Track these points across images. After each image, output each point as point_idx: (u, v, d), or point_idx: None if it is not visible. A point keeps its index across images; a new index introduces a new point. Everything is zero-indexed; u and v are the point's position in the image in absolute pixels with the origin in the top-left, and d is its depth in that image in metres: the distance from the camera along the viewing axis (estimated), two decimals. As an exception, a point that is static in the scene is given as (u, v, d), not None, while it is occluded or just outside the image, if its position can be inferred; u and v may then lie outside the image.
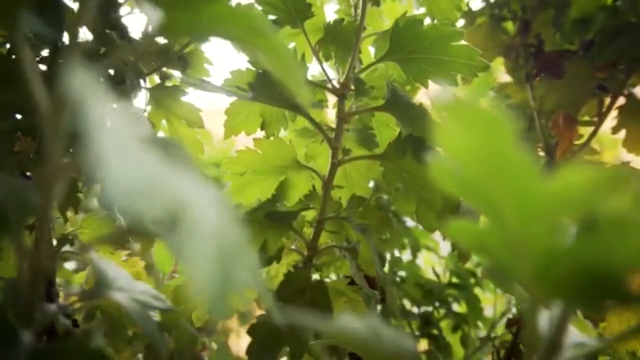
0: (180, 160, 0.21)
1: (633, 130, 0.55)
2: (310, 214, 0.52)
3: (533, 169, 0.16)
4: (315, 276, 0.52)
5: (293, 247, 0.50)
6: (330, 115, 0.68)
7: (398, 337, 0.23)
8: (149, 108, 0.54)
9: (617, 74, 0.58)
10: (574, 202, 0.16)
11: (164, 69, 0.54)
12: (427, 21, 0.45)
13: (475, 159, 0.17)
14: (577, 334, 0.26)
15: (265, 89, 0.36)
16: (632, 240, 0.16)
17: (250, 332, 0.39)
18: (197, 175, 0.21)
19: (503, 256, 0.21)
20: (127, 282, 0.32)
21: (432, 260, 0.89)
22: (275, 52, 0.24)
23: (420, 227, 0.50)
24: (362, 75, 0.49)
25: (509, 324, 0.54)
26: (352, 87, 0.47)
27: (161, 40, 0.53)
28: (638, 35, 0.50)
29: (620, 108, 0.56)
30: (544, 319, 0.23)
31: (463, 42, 0.42)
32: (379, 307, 0.59)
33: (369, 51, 0.61)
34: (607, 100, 0.59)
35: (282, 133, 0.56)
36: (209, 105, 0.60)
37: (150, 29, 0.50)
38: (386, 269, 0.77)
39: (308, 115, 0.42)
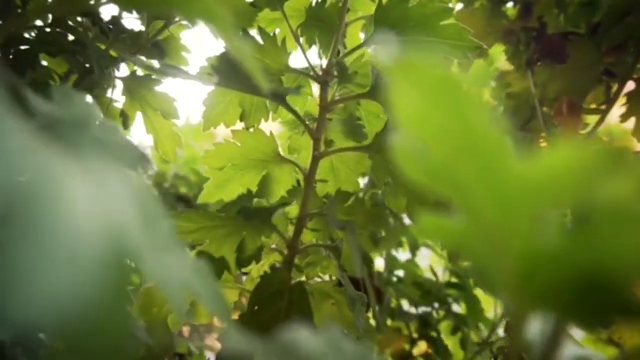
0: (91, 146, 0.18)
1: (643, 119, 0.51)
2: (293, 211, 0.48)
3: (509, 148, 0.13)
4: (301, 278, 0.49)
5: (274, 246, 0.46)
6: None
7: (361, 352, 0.20)
8: (123, 99, 0.51)
9: (626, 58, 0.54)
10: (561, 189, 0.13)
11: (140, 57, 0.51)
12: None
13: (438, 134, 0.14)
14: (577, 347, 0.23)
15: (231, 73, 0.33)
16: (635, 236, 0.12)
17: None
18: (114, 171, 0.17)
19: (482, 256, 0.17)
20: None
21: (435, 259, 0.86)
22: (221, 22, 0.21)
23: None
24: (347, 62, 0.46)
25: (508, 328, 0.50)
26: (335, 73, 0.44)
27: (135, 27, 0.50)
28: (648, 15, 0.46)
29: (629, 94, 0.52)
30: (536, 327, 0.20)
31: (453, 20, 0.38)
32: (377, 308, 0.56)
33: (359, 37, 0.57)
34: (615, 87, 0.55)
35: (274, 126, 0.52)
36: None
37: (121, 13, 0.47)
38: (382, 268, 0.74)
39: (286, 103, 0.39)
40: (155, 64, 0.52)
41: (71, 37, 0.47)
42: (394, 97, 0.14)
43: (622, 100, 0.54)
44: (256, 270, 0.49)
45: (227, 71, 0.33)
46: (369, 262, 0.47)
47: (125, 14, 0.48)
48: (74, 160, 0.15)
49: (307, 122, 0.44)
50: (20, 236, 0.10)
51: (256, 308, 0.38)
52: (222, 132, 0.52)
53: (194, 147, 1.03)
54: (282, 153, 0.48)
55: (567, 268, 0.14)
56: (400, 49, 0.12)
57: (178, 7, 0.20)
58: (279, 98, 0.37)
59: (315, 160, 0.43)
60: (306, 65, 0.52)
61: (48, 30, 0.43)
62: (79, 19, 0.49)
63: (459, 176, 0.15)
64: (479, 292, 0.69)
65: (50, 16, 0.42)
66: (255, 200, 0.47)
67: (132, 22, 0.52)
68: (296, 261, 0.46)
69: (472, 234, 0.17)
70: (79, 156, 0.17)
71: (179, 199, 0.96)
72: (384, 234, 0.75)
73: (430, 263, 0.85)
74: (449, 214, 0.18)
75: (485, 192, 0.14)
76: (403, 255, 0.84)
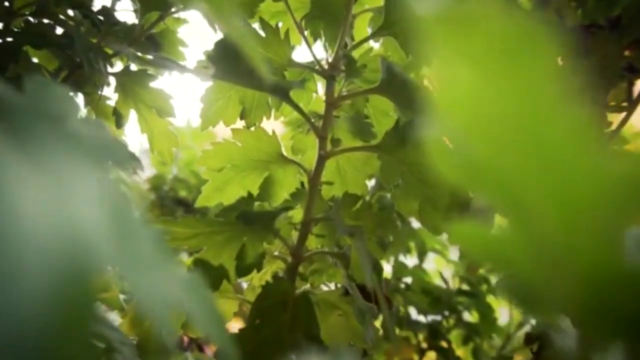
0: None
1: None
2: (297, 215, 0.45)
3: (595, 141, 0.10)
4: (305, 286, 0.46)
5: (276, 253, 0.43)
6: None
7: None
8: (116, 96, 0.48)
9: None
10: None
11: (133, 51, 0.48)
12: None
13: (496, 120, 0.11)
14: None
15: (230, 63, 0.30)
16: None
17: None
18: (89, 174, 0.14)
19: (532, 274, 0.14)
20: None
21: (442, 264, 0.82)
22: (219, 4, 0.18)
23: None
24: (355, 55, 0.43)
25: (529, 339, 0.47)
26: (342, 67, 0.41)
27: (129, 19, 0.47)
28: (677, 4, 0.43)
29: (654, 91, 0.48)
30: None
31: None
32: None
33: (366, 30, 0.54)
34: (637, 83, 0.52)
35: (276, 126, 0.49)
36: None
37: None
38: (389, 275, 0.70)
39: (289, 98, 0.36)
40: (150, 58, 0.49)
41: (59, 30, 0.44)
42: (435, 69, 0.11)
43: (646, 96, 0.50)
44: (257, 278, 0.46)
45: (224, 61, 0.30)
46: (378, 270, 0.44)
47: (117, 5, 0.45)
48: (23, 155, 0.12)
49: (312, 120, 0.41)
50: None
51: (257, 321, 0.35)
52: (222, 132, 0.49)
53: (195, 149, 1.00)
54: (285, 153, 0.45)
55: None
56: None
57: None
58: (282, 92, 0.34)
59: (321, 160, 0.40)
60: (310, 59, 0.49)
61: (33, 21, 0.40)
62: (69, 11, 0.46)
63: (515, 175, 0.12)
64: (491, 300, 0.66)
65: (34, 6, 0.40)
66: (256, 203, 0.44)
67: (125, 14, 0.49)
68: (300, 269, 0.43)
69: (521, 246, 0.14)
70: (37, 152, 0.14)
71: (178, 202, 0.93)
72: (391, 238, 0.72)
73: (438, 268, 0.82)
74: (475, 219, 0.14)
75: (554, 198, 0.11)
76: (409, 260, 0.81)
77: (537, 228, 0.13)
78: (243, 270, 0.40)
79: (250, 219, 0.36)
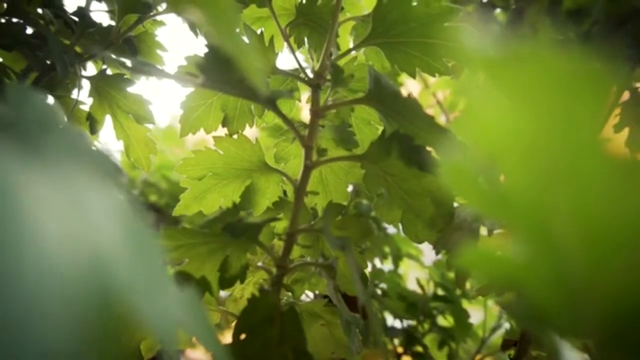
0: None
1: (637, 129, 0.50)
2: (280, 224, 0.45)
3: (634, 179, 0.10)
4: (287, 297, 0.45)
5: (260, 264, 0.42)
6: (306, 115, 0.61)
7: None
8: (90, 101, 0.46)
9: (618, 67, 0.53)
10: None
11: (110, 54, 0.46)
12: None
13: (530, 153, 0.11)
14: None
15: (220, 73, 0.29)
16: None
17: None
18: (88, 186, 0.13)
19: (550, 301, 0.14)
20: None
21: (410, 267, 0.83)
22: (221, 15, 0.17)
23: (403, 234, 0.43)
24: (340, 64, 0.42)
25: (506, 345, 0.48)
26: (328, 76, 0.41)
27: (104, 20, 0.45)
28: (645, 23, 0.45)
29: (623, 104, 0.51)
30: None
31: (458, 22, 0.35)
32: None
33: (348, 39, 0.54)
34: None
35: (253, 132, 0.48)
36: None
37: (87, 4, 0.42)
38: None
39: (275, 106, 0.35)
40: (127, 61, 0.47)
41: (29, 30, 0.42)
42: (471, 102, 0.11)
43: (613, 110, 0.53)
44: (239, 289, 0.45)
45: (214, 71, 0.29)
46: (364, 281, 0.43)
47: (93, 6, 0.43)
48: (36, 166, 0.11)
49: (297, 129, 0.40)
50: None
51: (243, 336, 0.34)
52: (193, 135, 0.48)
53: (166, 153, 0.97)
54: (267, 161, 0.44)
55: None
56: (498, 38, 0.09)
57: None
58: (270, 102, 0.34)
59: (307, 170, 0.40)
60: (291, 66, 0.48)
61: (3, 20, 0.37)
62: (39, 9, 0.43)
63: (546, 205, 0.12)
64: (466, 305, 0.67)
65: (5, 4, 0.37)
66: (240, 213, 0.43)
67: (100, 15, 0.47)
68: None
69: (540, 273, 0.14)
70: (42, 162, 0.13)
71: (148, 207, 0.90)
72: (368, 244, 0.72)
73: (407, 272, 0.83)
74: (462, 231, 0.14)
75: (583, 229, 0.11)
76: (385, 266, 0.81)
77: (561, 257, 0.13)
78: (226, 282, 0.39)
79: (236, 230, 0.35)
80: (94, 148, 0.20)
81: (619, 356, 0.13)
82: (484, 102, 0.10)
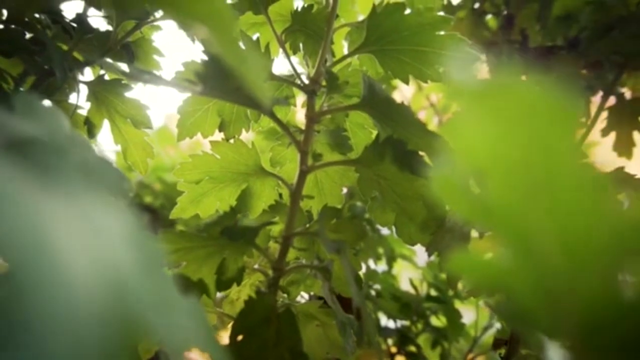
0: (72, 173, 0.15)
1: (623, 133, 0.51)
2: (275, 227, 0.45)
3: (603, 191, 0.11)
4: (283, 299, 0.46)
5: (256, 266, 0.43)
6: (300, 118, 0.62)
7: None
8: (88, 105, 0.46)
9: (604, 72, 0.54)
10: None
11: (109, 61, 0.47)
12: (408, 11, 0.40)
13: (511, 168, 0.12)
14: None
15: (219, 81, 0.30)
16: None
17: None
18: (99, 202, 0.14)
19: (531, 302, 0.15)
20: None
21: (408, 269, 0.84)
22: (223, 26, 0.18)
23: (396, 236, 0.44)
24: (335, 70, 0.43)
25: (497, 343, 0.49)
26: (324, 82, 0.41)
27: (102, 26, 0.46)
28: (630, 30, 0.46)
29: (610, 109, 0.52)
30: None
31: (450, 30, 0.36)
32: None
33: (342, 46, 0.55)
34: (594, 101, 0.55)
35: (246, 136, 0.49)
36: (175, 106, 0.52)
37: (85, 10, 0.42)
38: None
39: (272, 113, 0.36)
40: (124, 67, 0.48)
41: (28, 35, 0.42)
42: (459, 124, 0.12)
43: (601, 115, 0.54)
44: (235, 291, 0.46)
45: (213, 79, 0.30)
46: (359, 283, 0.44)
47: (90, 12, 0.44)
48: (57, 194, 0.12)
49: (293, 134, 0.41)
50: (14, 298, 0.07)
51: (241, 338, 0.35)
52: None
53: (159, 154, 0.98)
54: (263, 165, 0.45)
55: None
56: (478, 71, 0.10)
57: (178, 9, 0.17)
58: (268, 110, 0.35)
59: (302, 174, 0.40)
60: (286, 70, 0.49)
61: (1, 26, 0.38)
62: (37, 15, 0.44)
63: (526, 215, 0.13)
64: (458, 305, 0.69)
65: (5, 12, 0.38)
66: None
67: (97, 20, 0.47)
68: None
69: (522, 276, 0.15)
70: (60, 186, 0.13)
71: (143, 209, 0.91)
72: (362, 245, 0.73)
73: (401, 273, 0.84)
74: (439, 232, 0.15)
75: (559, 236, 0.12)
76: (378, 266, 0.82)
77: (541, 262, 0.14)
78: (223, 284, 0.40)
79: (234, 234, 0.36)
80: (100, 158, 0.21)
81: (594, 354, 0.14)
82: (471, 127, 0.11)
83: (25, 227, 0.09)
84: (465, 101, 0.10)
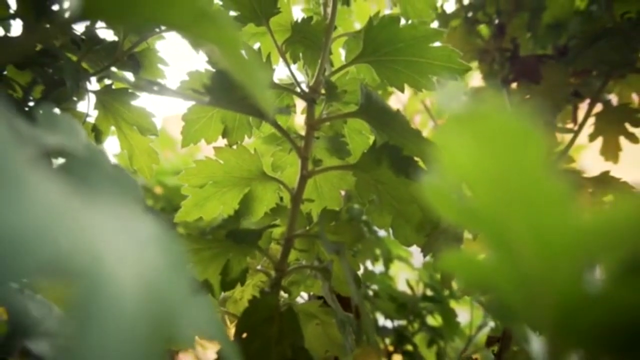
0: (107, 188, 0.17)
1: (610, 138, 0.53)
2: (277, 230, 0.47)
3: (567, 199, 0.13)
4: (284, 298, 0.48)
5: (259, 267, 0.45)
6: (299, 122, 0.64)
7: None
8: (96, 113, 0.48)
9: (592, 80, 0.56)
10: (618, 241, 0.13)
11: (113, 69, 0.48)
12: (403, 22, 0.42)
13: (490, 181, 0.14)
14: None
15: (225, 92, 0.32)
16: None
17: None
18: (131, 211, 0.16)
19: (514, 298, 0.17)
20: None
21: (405, 270, 0.86)
22: (232, 46, 0.20)
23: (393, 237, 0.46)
24: (334, 79, 0.45)
25: (490, 341, 0.51)
26: (323, 91, 0.43)
27: (109, 37, 0.48)
28: (616, 40, 0.48)
29: (597, 115, 0.54)
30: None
31: (442, 43, 0.38)
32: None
33: (340, 54, 0.57)
34: (581, 107, 0.57)
35: (247, 141, 0.51)
36: (173, 109, 0.54)
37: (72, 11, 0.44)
38: (358, 282, 0.73)
39: (275, 122, 0.38)
40: (130, 76, 0.49)
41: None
42: (446, 142, 0.14)
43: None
44: (239, 291, 0.47)
45: (220, 91, 0.32)
46: (358, 283, 0.46)
47: (98, 24, 0.46)
48: (99, 206, 0.14)
49: (294, 140, 0.43)
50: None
51: (245, 335, 0.36)
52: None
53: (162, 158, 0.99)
54: (265, 170, 0.47)
55: (612, 314, 0.14)
56: (465, 98, 0.12)
57: (191, 32, 0.19)
58: (271, 119, 0.36)
59: (303, 179, 0.42)
60: (285, 78, 0.51)
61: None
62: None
63: (505, 220, 0.15)
64: (454, 304, 0.71)
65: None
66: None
67: (106, 31, 0.49)
68: (280, 281, 0.45)
69: (505, 275, 0.17)
70: (96, 196, 0.15)
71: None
72: (359, 246, 0.75)
73: (397, 274, 0.86)
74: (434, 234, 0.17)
75: (534, 239, 0.14)
76: (375, 267, 0.84)
77: (520, 261, 0.16)
78: (228, 284, 0.42)
79: (239, 237, 0.37)
80: (118, 168, 0.22)
81: (567, 340, 0.16)
82: (457, 147, 0.13)
83: (84, 243, 0.11)
84: (453, 124, 0.12)
